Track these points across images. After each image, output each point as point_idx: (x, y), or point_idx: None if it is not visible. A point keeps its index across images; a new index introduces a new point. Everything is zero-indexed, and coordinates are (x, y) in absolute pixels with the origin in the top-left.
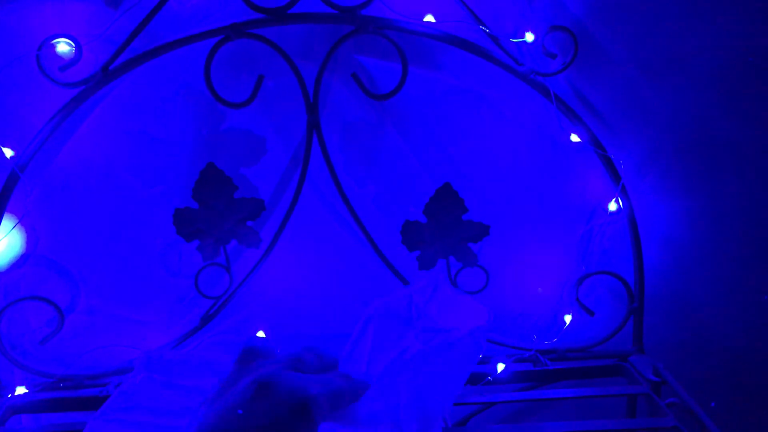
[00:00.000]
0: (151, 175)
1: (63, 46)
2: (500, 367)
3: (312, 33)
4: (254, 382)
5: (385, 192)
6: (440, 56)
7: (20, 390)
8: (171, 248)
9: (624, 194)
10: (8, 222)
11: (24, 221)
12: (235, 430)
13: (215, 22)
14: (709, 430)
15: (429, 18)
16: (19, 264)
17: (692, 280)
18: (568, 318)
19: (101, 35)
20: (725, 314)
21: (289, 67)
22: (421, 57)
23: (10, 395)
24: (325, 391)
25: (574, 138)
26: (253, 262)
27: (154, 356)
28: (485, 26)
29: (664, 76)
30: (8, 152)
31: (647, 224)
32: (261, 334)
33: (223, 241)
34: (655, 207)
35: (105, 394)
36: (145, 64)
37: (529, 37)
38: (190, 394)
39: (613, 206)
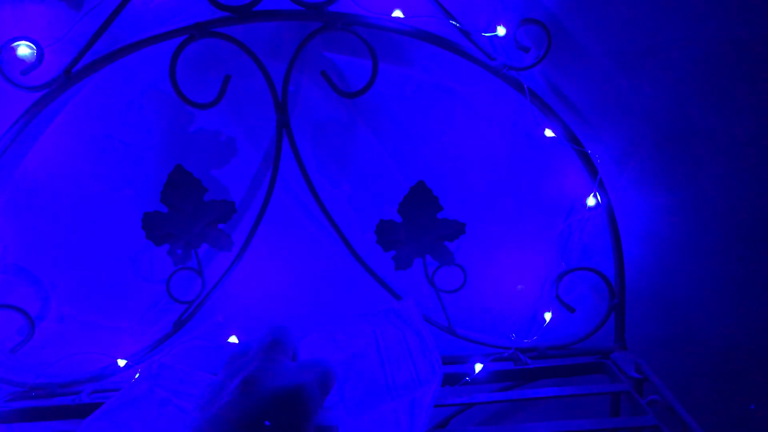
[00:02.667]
0: (118, 178)
1: (24, 49)
2: (478, 367)
3: (279, 31)
4: (241, 382)
5: (358, 191)
6: (411, 52)
7: None
8: (141, 253)
9: (602, 189)
10: None
11: None
12: (226, 428)
13: (179, 22)
14: (690, 428)
15: (398, 13)
16: None
17: (673, 275)
18: (548, 315)
19: (63, 37)
20: (707, 308)
21: (257, 66)
22: (392, 53)
23: None
24: (315, 376)
25: (549, 133)
26: (225, 266)
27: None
28: (456, 21)
29: (640, 69)
30: None
31: (627, 219)
32: (234, 339)
33: (194, 245)
34: (634, 201)
35: (78, 402)
36: (109, 66)
37: (501, 30)
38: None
39: (591, 201)
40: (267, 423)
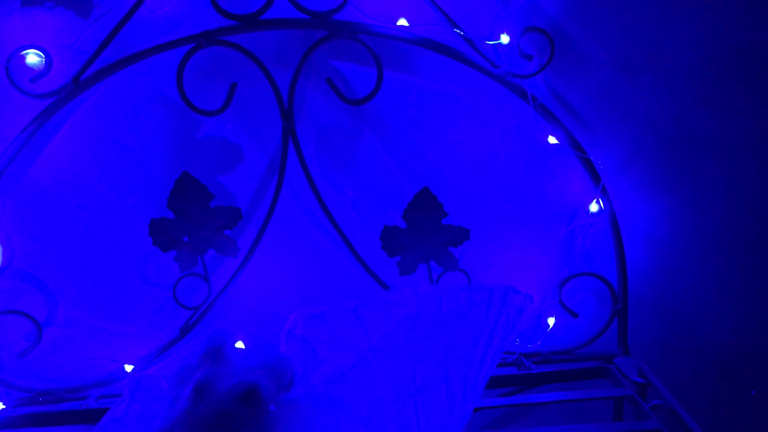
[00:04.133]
0: (125, 185)
1: (33, 57)
2: None
3: (285, 39)
4: (194, 389)
5: (363, 197)
6: (415, 60)
7: None
8: (148, 259)
9: (605, 194)
10: None
11: None
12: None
13: (186, 30)
14: (693, 431)
15: (402, 22)
16: None
17: (676, 279)
18: (551, 321)
19: (71, 46)
20: (710, 313)
21: (263, 74)
22: (396, 61)
23: None
24: (264, 373)
25: (552, 140)
26: (231, 271)
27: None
28: (460, 29)
29: (641, 75)
30: None
31: (629, 224)
32: (240, 344)
33: (200, 251)
34: (637, 206)
35: (85, 407)
36: (117, 73)
37: (505, 38)
38: None
39: (594, 207)
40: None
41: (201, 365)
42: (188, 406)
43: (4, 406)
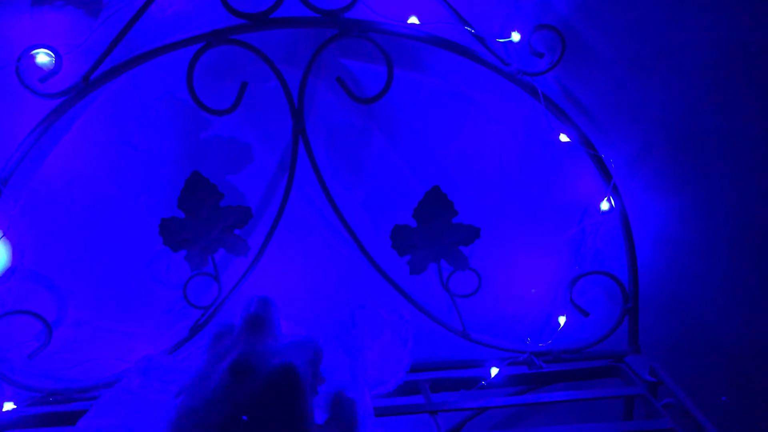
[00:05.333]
0: (135, 184)
1: (42, 57)
2: (494, 371)
3: (295, 38)
4: (230, 367)
5: (373, 196)
6: (426, 58)
7: (8, 406)
8: (158, 258)
9: (615, 193)
10: None
11: (9, 235)
12: (220, 415)
13: (196, 29)
14: (706, 430)
15: (413, 20)
16: (5, 278)
17: (687, 277)
18: (562, 319)
19: (81, 45)
20: (720, 311)
21: (273, 73)
22: (407, 59)
23: None
24: (304, 355)
25: (564, 138)
26: (241, 271)
27: (149, 363)
28: (470, 27)
29: (652, 73)
30: None
31: (640, 222)
32: None
33: (210, 250)
34: (648, 205)
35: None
36: (127, 73)
37: (516, 36)
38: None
39: (605, 205)
40: (245, 418)
41: (239, 338)
42: (223, 386)
43: (15, 406)
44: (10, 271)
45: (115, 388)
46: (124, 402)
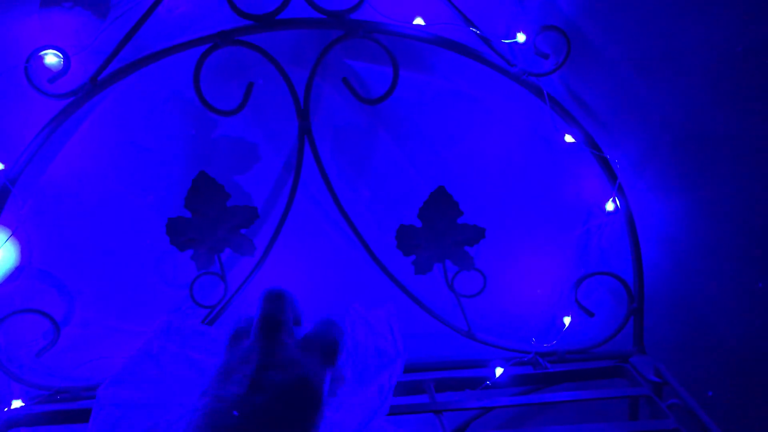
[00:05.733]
0: (142, 184)
1: (51, 58)
2: (499, 371)
3: (301, 38)
4: (248, 377)
5: (378, 197)
6: (431, 59)
7: (17, 403)
8: (165, 258)
9: (621, 193)
10: (1, 235)
11: (17, 234)
12: (234, 427)
13: (203, 30)
14: (711, 431)
15: (418, 21)
16: (14, 277)
17: (692, 279)
18: (567, 320)
19: (89, 46)
20: (726, 312)
21: (279, 74)
22: (412, 60)
23: (6, 409)
24: (319, 355)
25: (569, 138)
26: (247, 270)
27: (172, 325)
28: (476, 28)
29: (658, 74)
30: None
31: (645, 223)
32: None
33: (216, 250)
34: (653, 205)
35: None
36: (134, 73)
37: (521, 37)
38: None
39: (610, 206)
40: (235, 413)
41: (255, 344)
42: (241, 394)
43: (23, 404)
44: (19, 269)
45: (136, 353)
46: (145, 370)
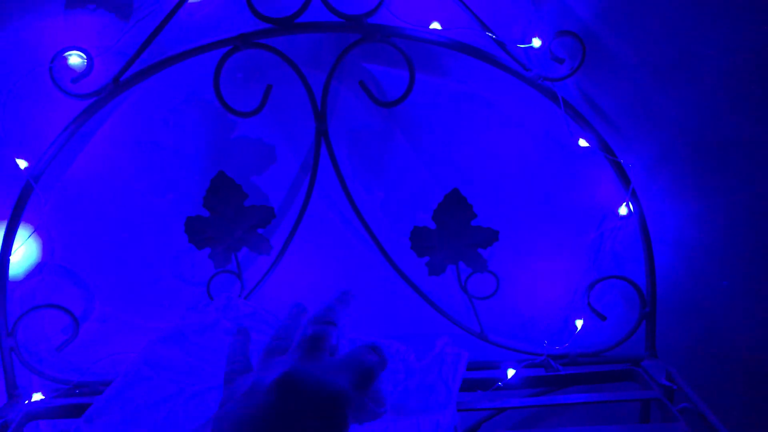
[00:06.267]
0: (162, 183)
1: (75, 59)
2: (510, 372)
3: (319, 42)
4: (279, 381)
5: (393, 198)
6: (447, 62)
7: (37, 396)
8: (183, 256)
9: (634, 198)
10: (24, 231)
11: (39, 231)
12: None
13: (224, 33)
14: None
15: (435, 25)
16: (35, 273)
17: (705, 284)
18: (579, 323)
19: (112, 47)
20: (738, 318)
21: (297, 76)
22: (428, 64)
23: (27, 401)
24: (352, 377)
25: (583, 142)
26: (264, 269)
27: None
28: (492, 32)
29: (673, 79)
30: (22, 163)
31: (658, 228)
32: None
33: (234, 249)
34: (666, 210)
35: None
36: (156, 75)
37: (536, 42)
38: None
39: (623, 210)
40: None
41: (296, 352)
42: (269, 400)
43: (43, 397)
44: (40, 266)
45: (188, 321)
46: (197, 336)
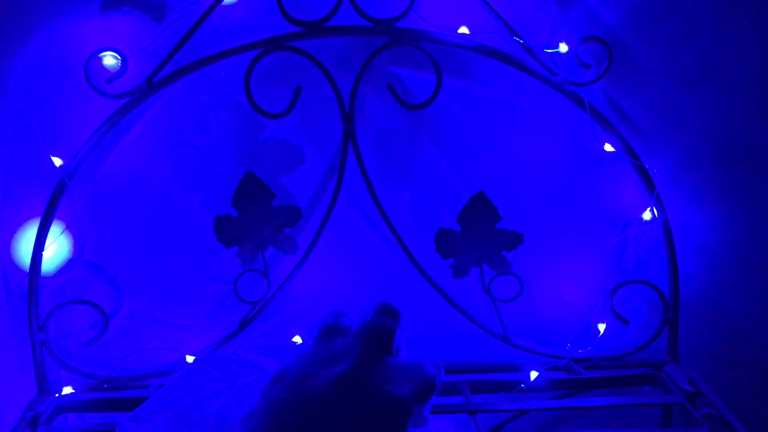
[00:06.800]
0: (192, 183)
1: (109, 59)
2: (533, 374)
3: (348, 45)
4: (340, 377)
5: (418, 200)
6: (474, 66)
7: (67, 390)
8: (211, 254)
9: (659, 203)
10: (56, 228)
11: (71, 227)
12: (319, 422)
13: (255, 36)
14: None
15: (463, 29)
16: (66, 268)
17: (728, 289)
18: (602, 327)
19: (146, 48)
20: (761, 324)
21: (326, 79)
22: (455, 67)
23: (57, 395)
24: (415, 387)
25: (608, 147)
26: (290, 268)
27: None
28: (519, 37)
29: (698, 85)
30: (57, 161)
31: (682, 233)
32: (297, 339)
33: (261, 248)
34: (690, 216)
35: (147, 395)
36: (188, 76)
37: (563, 47)
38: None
39: (647, 215)
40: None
41: (355, 347)
42: (328, 391)
43: (72, 391)
44: (71, 262)
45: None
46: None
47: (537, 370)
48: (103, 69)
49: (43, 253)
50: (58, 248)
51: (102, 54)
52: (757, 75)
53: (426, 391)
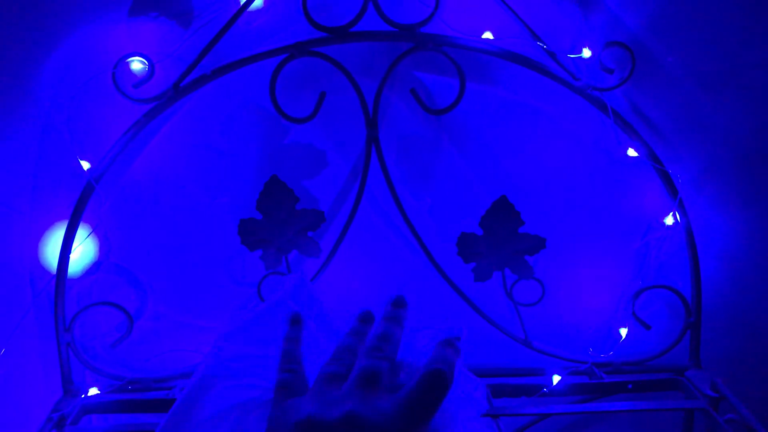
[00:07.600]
0: (217, 186)
1: (137, 65)
2: (556, 379)
3: (372, 50)
4: (337, 424)
5: (441, 204)
6: (497, 71)
7: (93, 391)
8: (235, 257)
9: (681, 208)
10: (83, 231)
11: (97, 230)
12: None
13: (280, 41)
14: None
15: (487, 35)
16: (92, 271)
17: (751, 295)
18: (624, 331)
19: (173, 54)
20: None
21: (350, 84)
22: (478, 72)
23: (83, 396)
24: (416, 416)
25: (631, 152)
26: (313, 271)
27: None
28: (543, 42)
29: (721, 90)
30: (85, 165)
31: (704, 238)
32: None
33: (284, 251)
34: (713, 221)
35: (171, 396)
36: (214, 81)
37: (586, 52)
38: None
39: (669, 220)
40: None
41: (351, 395)
42: (350, 389)
43: (98, 392)
44: (97, 264)
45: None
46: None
47: (559, 374)
48: (131, 74)
49: (70, 255)
50: (84, 251)
51: (129, 59)
52: None
53: (426, 415)
